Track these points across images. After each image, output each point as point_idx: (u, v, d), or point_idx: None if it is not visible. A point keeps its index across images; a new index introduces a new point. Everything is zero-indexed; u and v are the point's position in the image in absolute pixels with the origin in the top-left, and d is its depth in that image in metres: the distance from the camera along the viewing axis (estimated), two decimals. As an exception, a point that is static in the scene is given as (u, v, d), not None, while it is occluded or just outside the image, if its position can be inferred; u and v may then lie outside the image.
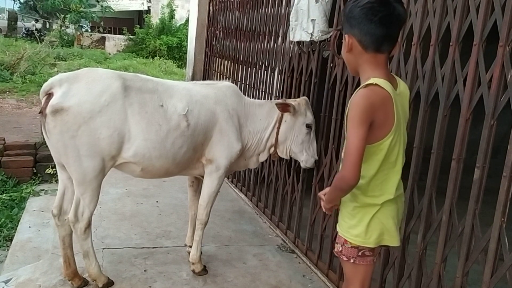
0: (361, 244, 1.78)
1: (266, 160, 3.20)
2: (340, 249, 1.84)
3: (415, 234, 2.33)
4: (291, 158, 3.05)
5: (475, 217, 1.98)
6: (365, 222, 1.75)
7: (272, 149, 2.97)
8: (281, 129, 2.91)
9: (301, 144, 2.93)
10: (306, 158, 2.94)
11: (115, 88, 2.40)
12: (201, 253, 2.95)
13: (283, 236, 3.60)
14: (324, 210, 1.89)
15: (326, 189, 1.88)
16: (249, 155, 2.98)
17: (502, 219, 1.84)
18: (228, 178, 4.75)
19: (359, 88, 1.65)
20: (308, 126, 2.91)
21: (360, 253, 1.80)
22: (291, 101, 2.92)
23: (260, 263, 3.16)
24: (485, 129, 1.92)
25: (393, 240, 1.81)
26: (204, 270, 2.91)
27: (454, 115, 2.14)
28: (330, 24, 3.04)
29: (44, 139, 4.05)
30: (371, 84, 1.62)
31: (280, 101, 2.92)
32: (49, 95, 2.33)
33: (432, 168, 2.22)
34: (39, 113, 2.36)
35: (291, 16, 3.31)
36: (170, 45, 18.83)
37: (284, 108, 2.85)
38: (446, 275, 2.15)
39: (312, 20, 3.06)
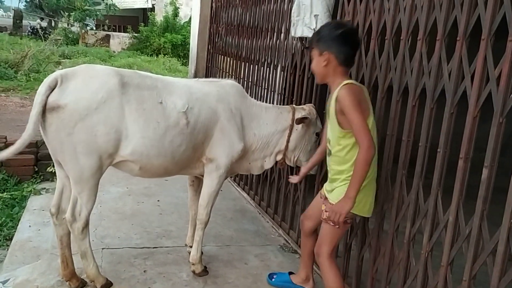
0: (356, 213, 2.25)
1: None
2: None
3: (420, 234, 2.26)
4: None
5: (482, 219, 1.90)
6: (362, 193, 2.19)
7: (279, 157, 2.89)
8: (292, 137, 2.83)
9: (309, 152, 2.88)
10: None
11: (112, 85, 2.34)
12: (202, 253, 2.89)
13: (286, 236, 3.54)
14: (342, 214, 2.15)
15: (339, 205, 2.16)
16: (253, 158, 2.90)
17: (511, 220, 1.77)
18: (231, 177, 4.69)
19: (338, 89, 2.16)
20: (317, 134, 2.87)
21: (344, 220, 2.20)
22: (301, 110, 2.85)
23: (262, 264, 3.10)
24: (493, 127, 1.84)
25: (370, 211, 2.33)
26: (205, 271, 2.86)
27: (461, 112, 2.07)
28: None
29: (44, 137, 3.98)
30: (348, 83, 2.17)
31: (298, 116, 2.80)
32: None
33: (439, 168, 2.15)
34: (42, 111, 2.28)
35: (292, 11, 3.24)
36: (174, 43, 18.82)
37: (301, 121, 2.78)
38: (453, 277, 2.08)
39: (315, 15, 2.99)
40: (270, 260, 3.18)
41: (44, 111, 2.24)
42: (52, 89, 2.25)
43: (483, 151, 1.88)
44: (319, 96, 3.19)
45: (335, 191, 2.29)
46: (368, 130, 2.07)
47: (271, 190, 3.88)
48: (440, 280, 2.10)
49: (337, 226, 2.24)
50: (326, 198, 2.37)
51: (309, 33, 3.08)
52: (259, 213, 4.03)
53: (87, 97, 2.27)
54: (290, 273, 2.85)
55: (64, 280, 2.56)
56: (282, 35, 3.73)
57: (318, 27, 2.97)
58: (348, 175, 2.20)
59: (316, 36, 2.30)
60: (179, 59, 17.88)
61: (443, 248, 2.10)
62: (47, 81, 2.27)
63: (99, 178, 2.43)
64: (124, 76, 2.41)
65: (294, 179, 2.85)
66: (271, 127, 2.85)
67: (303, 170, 2.80)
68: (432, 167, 2.19)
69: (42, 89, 2.24)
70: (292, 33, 3.32)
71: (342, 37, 2.20)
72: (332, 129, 2.29)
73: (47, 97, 2.23)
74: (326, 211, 2.29)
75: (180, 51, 18.70)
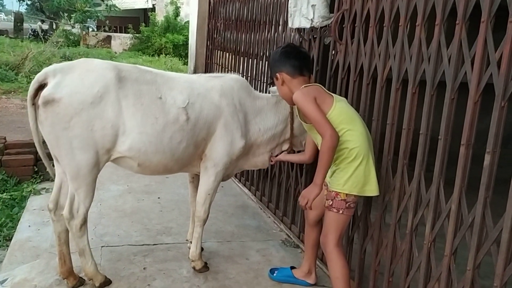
0: (354, 193, 2.26)
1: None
2: (331, 203, 2.30)
3: (423, 225, 2.21)
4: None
5: (486, 206, 1.85)
6: (356, 174, 2.25)
7: (286, 146, 2.85)
8: (296, 124, 2.78)
9: None
10: None
11: (108, 79, 2.30)
12: (202, 249, 2.86)
13: (288, 230, 3.50)
14: (310, 199, 2.20)
15: (307, 190, 2.23)
16: (259, 152, 2.85)
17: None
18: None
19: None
20: None
21: (347, 205, 2.29)
22: None
23: (263, 259, 3.06)
24: (495, 111, 1.79)
25: (374, 190, 2.30)
26: (205, 267, 2.82)
27: (462, 100, 2.02)
28: (330, 10, 2.92)
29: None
30: (301, 88, 2.32)
31: None
32: (43, 86, 2.23)
33: (440, 156, 2.10)
34: (32, 104, 2.26)
35: (289, 2, 3.19)
36: (175, 43, 18.79)
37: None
38: (456, 268, 2.03)
39: (312, 5, 2.94)
40: (272, 255, 3.13)
41: (34, 104, 2.23)
42: (40, 82, 2.23)
43: (485, 144, 1.82)
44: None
45: (334, 175, 2.32)
46: (326, 120, 2.16)
47: (272, 185, 3.84)
48: (444, 270, 2.06)
49: (341, 212, 2.29)
50: (326, 184, 2.35)
51: (306, 24, 3.03)
52: (261, 209, 3.99)
53: (83, 91, 2.23)
54: (292, 267, 2.81)
55: (62, 278, 2.53)
56: (280, 27, 3.68)
57: (316, 17, 2.93)
58: (341, 158, 2.27)
59: (269, 67, 2.50)
60: (181, 58, 17.85)
61: (446, 237, 2.05)
62: (37, 75, 2.26)
63: (96, 175, 2.39)
64: (121, 71, 2.37)
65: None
66: (274, 118, 2.79)
67: (282, 157, 2.87)
68: (433, 159, 2.14)
69: (32, 83, 2.25)
70: (290, 25, 3.27)
71: (283, 54, 2.42)
72: (312, 133, 2.43)
73: (36, 90, 2.22)
74: (327, 199, 2.33)
75: (181, 50, 18.67)
